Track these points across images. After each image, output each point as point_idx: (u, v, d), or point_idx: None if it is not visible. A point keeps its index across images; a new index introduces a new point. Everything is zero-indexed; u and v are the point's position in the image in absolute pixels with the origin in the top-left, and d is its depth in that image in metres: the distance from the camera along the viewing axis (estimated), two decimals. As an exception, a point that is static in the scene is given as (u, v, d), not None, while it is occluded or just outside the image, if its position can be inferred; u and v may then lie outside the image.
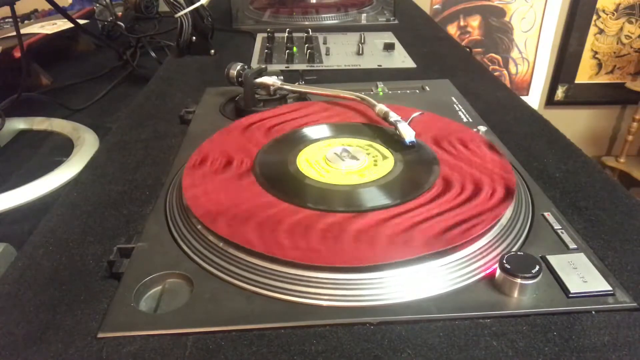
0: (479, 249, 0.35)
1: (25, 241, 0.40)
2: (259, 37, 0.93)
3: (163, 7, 1.11)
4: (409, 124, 0.48)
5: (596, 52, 1.82)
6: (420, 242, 0.34)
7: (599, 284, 0.32)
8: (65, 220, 0.42)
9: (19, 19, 0.82)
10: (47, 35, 0.87)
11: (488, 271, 0.34)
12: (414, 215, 0.37)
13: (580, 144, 0.53)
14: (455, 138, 0.48)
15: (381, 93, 0.66)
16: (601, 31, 1.78)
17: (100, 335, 0.30)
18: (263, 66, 0.61)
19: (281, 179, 0.42)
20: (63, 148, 0.64)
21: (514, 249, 0.36)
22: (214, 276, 0.34)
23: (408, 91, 0.66)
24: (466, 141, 0.48)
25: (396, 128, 0.47)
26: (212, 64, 0.80)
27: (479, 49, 1.81)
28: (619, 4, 1.74)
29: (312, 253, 0.33)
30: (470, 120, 0.57)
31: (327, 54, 0.82)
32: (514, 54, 1.82)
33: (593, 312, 0.31)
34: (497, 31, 1.79)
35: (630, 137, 1.79)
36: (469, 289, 0.33)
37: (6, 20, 1.10)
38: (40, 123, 0.70)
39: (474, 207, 0.38)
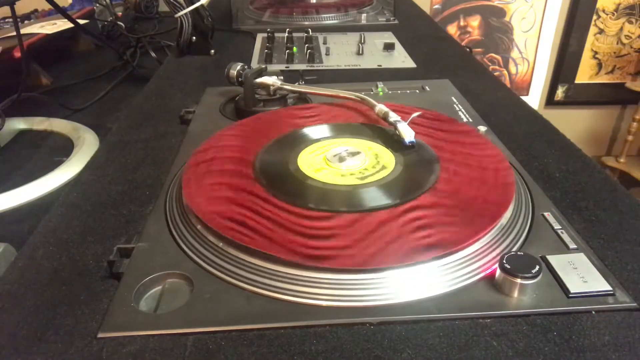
0: (479, 249, 0.35)
1: (25, 241, 0.39)
2: (259, 37, 0.93)
3: (163, 7, 1.12)
4: (408, 124, 0.48)
5: (596, 52, 1.82)
6: (420, 243, 0.34)
7: (599, 284, 0.32)
8: (65, 220, 0.42)
9: (19, 19, 0.82)
10: (47, 35, 0.87)
11: (488, 271, 0.34)
12: (414, 215, 0.37)
13: (580, 144, 0.53)
14: (454, 136, 0.48)
15: (381, 93, 0.66)
16: (601, 31, 1.78)
17: (100, 335, 0.30)
18: (263, 66, 0.61)
19: (281, 179, 0.42)
20: (63, 148, 0.64)
21: (514, 249, 0.36)
22: (214, 276, 0.34)
23: (408, 91, 0.66)
24: (465, 139, 0.48)
25: (396, 128, 0.47)
26: (212, 64, 0.80)
27: (479, 49, 1.81)
28: (619, 4, 1.74)
29: (312, 253, 0.33)
30: (470, 120, 0.57)
31: (327, 54, 0.82)
32: (514, 54, 1.82)
33: (593, 312, 0.31)
34: (497, 31, 1.79)
35: (630, 137, 1.80)
36: (469, 289, 0.33)
37: (6, 20, 1.10)
38: (40, 123, 0.70)
39: (474, 207, 0.38)
